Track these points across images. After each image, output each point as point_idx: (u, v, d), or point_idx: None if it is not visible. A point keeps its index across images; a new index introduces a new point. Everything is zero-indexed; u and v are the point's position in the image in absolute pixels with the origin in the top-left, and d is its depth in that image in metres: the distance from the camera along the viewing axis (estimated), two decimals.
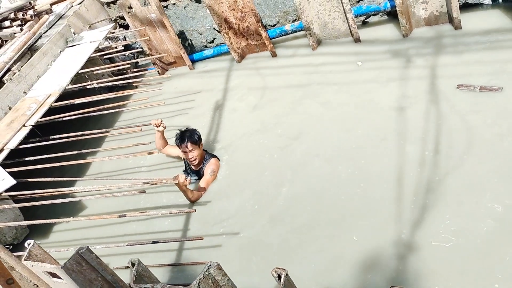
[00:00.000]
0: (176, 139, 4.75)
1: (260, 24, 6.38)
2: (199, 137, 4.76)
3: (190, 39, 7.43)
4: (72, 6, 7.35)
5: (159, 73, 7.34)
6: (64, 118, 5.26)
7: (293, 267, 3.47)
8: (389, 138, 4.43)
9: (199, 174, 4.86)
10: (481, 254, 3.22)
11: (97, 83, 6.03)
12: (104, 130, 5.14)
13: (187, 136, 4.65)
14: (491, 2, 5.64)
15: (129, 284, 2.74)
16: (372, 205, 3.89)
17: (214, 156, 4.97)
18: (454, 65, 4.93)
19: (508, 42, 4.90)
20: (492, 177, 3.69)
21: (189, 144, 4.63)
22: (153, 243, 3.94)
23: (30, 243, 2.53)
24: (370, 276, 3.36)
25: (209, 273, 2.54)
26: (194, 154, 4.68)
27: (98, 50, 6.59)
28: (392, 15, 6.02)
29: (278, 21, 6.85)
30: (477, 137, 4.05)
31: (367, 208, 3.88)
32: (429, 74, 4.93)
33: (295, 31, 6.63)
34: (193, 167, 4.86)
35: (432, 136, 4.22)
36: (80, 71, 6.06)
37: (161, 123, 4.87)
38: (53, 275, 2.49)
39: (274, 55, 6.60)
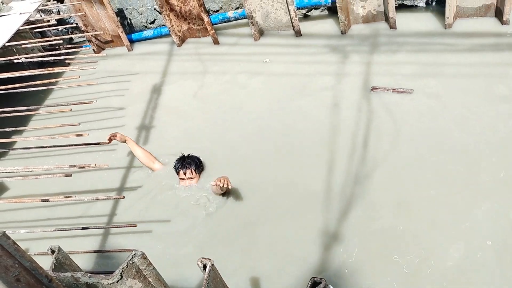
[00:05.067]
0: (175, 164, 4.26)
1: (202, 9, 6.28)
2: (201, 163, 4.32)
3: (129, 18, 7.17)
4: None
5: (94, 51, 7.03)
6: None
7: (220, 259, 3.49)
8: (321, 130, 4.54)
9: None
10: (404, 243, 3.41)
11: (26, 58, 5.67)
12: (30, 108, 4.85)
13: (187, 163, 4.18)
14: (425, 5, 5.91)
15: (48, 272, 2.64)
16: (302, 195, 3.98)
17: None
18: (387, 64, 5.13)
19: (435, 46, 5.17)
20: (413, 171, 3.90)
21: (187, 172, 4.16)
22: (82, 228, 3.81)
23: None
24: (294, 267, 3.45)
25: (133, 262, 2.49)
26: (192, 182, 4.20)
27: (28, 22, 6.20)
28: (332, 10, 6.15)
29: (221, 7, 6.78)
30: (402, 135, 4.26)
31: (297, 198, 3.97)
32: (363, 71, 5.09)
33: (238, 19, 6.60)
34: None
35: (361, 132, 4.38)
36: (7, 44, 5.67)
37: (114, 137, 4.35)
38: None
39: (215, 41, 6.53)
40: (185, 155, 4.30)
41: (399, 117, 4.45)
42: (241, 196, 4.11)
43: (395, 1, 5.46)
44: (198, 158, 4.33)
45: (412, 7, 5.92)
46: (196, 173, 4.21)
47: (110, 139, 4.37)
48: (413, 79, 4.82)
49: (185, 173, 4.18)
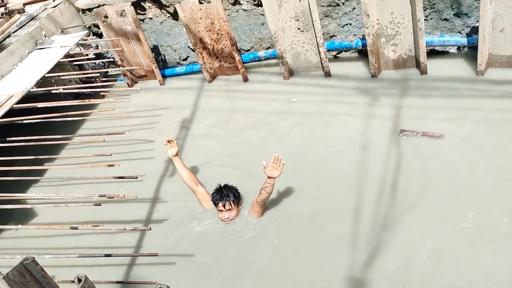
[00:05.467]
0: (212, 195, 4.27)
1: (234, 48, 6.45)
2: (239, 195, 4.29)
3: (163, 55, 7.42)
4: (46, 9, 7.21)
5: (128, 85, 7.26)
6: (25, 121, 5.10)
7: None
8: (349, 173, 4.51)
9: None
10: None
11: (63, 89, 5.89)
12: (65, 136, 5.00)
13: (225, 194, 4.16)
14: (456, 51, 5.93)
15: None
16: (328, 239, 3.93)
17: None
18: (417, 108, 5.12)
19: (467, 92, 5.15)
20: (443, 219, 3.82)
21: (227, 204, 4.14)
22: (105, 256, 3.83)
23: None
24: None
25: None
26: (231, 215, 4.20)
27: (68, 55, 6.47)
28: (363, 53, 6.23)
29: (252, 47, 6.95)
30: (431, 181, 4.20)
31: (323, 242, 3.92)
32: (392, 114, 5.09)
33: (268, 58, 6.74)
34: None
35: (390, 175, 4.34)
36: (47, 75, 5.92)
37: (171, 141, 4.43)
38: None
39: (245, 79, 6.67)
40: (222, 186, 4.27)
41: (428, 162, 4.40)
42: (266, 236, 4.09)
43: (426, 46, 5.50)
44: (236, 189, 4.28)
45: (443, 53, 5.95)
46: (234, 204, 4.17)
47: (167, 142, 4.43)
48: (444, 124, 4.79)
49: (224, 205, 4.14)
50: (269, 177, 3.88)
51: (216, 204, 4.21)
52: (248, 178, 4.75)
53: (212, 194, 4.27)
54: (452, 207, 3.90)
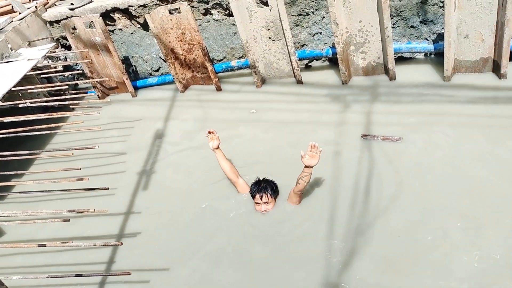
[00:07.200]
0: (251, 188, 4.33)
1: (207, 58, 6.43)
2: (277, 188, 4.33)
3: (134, 66, 7.34)
4: (12, 21, 7.06)
5: (99, 97, 7.15)
6: None
7: None
8: (322, 179, 4.53)
9: None
10: None
11: (31, 102, 5.75)
12: (32, 152, 4.88)
13: (263, 187, 4.22)
14: (423, 57, 6.06)
15: None
16: (302, 245, 3.92)
17: None
18: (386, 113, 5.20)
19: (434, 97, 5.27)
20: (416, 224, 3.86)
21: (264, 196, 4.19)
22: (76, 276, 3.72)
23: None
24: None
25: None
26: (268, 207, 4.24)
27: (35, 68, 6.32)
28: (333, 61, 6.30)
29: (225, 57, 6.95)
30: (404, 184, 4.26)
31: (297, 249, 3.91)
32: (362, 120, 5.16)
33: (241, 68, 6.74)
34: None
35: (362, 181, 4.37)
36: (13, 89, 5.76)
37: (211, 133, 4.38)
38: None
39: (218, 89, 6.65)
40: (261, 179, 4.32)
41: (398, 166, 4.47)
42: (241, 245, 4.06)
43: (394, 53, 5.60)
44: (274, 183, 4.33)
45: (411, 59, 6.07)
46: (272, 197, 4.23)
47: (209, 133, 4.39)
48: (411, 128, 4.88)
49: (261, 198, 4.19)
50: (306, 166, 3.90)
51: (253, 196, 4.26)
52: (221, 188, 4.72)
53: (251, 186, 4.34)
54: (420, 209, 3.97)
